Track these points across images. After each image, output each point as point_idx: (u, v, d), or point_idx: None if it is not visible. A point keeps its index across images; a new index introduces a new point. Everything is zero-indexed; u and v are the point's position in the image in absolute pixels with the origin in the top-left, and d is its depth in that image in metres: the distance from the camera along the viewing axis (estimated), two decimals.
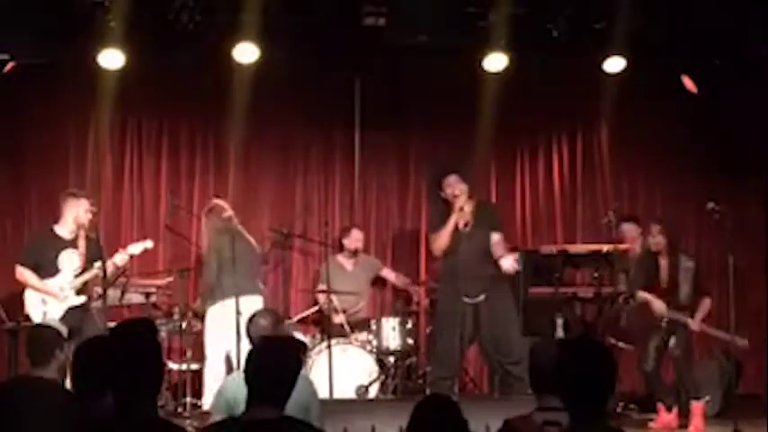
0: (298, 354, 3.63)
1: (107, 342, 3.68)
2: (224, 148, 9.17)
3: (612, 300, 7.94)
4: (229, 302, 7.33)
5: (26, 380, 4.49)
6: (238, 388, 4.43)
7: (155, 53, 7.93)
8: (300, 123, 9.32)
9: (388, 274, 8.95)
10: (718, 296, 8.81)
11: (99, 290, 7.19)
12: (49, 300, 7.21)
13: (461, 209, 7.24)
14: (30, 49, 7.60)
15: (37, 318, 7.15)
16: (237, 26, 7.59)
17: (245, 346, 4.97)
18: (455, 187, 7.24)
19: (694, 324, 7.48)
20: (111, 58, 7.75)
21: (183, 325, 7.79)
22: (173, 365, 7.88)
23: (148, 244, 7.54)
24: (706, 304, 7.58)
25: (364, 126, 9.27)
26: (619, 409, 7.76)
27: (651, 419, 7.49)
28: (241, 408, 3.91)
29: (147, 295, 7.95)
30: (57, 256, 7.26)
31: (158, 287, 7.97)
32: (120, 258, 7.33)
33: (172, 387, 7.93)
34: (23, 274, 7.30)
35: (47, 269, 7.26)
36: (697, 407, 7.29)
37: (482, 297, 7.17)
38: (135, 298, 7.98)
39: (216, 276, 7.62)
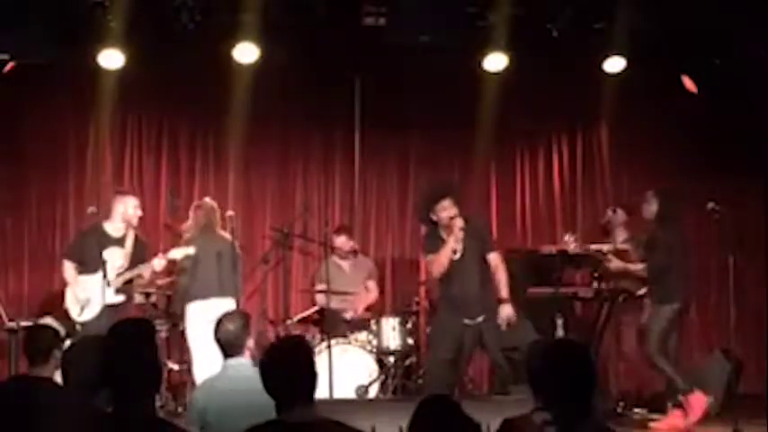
0: (312, 351, 3.61)
1: (105, 341, 3.69)
2: (224, 147, 9.17)
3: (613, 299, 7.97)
4: (202, 303, 7.43)
5: (24, 379, 4.49)
6: (208, 396, 4.41)
7: (155, 53, 7.93)
8: (300, 123, 9.32)
9: (372, 287, 8.77)
10: (719, 296, 8.85)
11: (139, 291, 7.30)
12: (88, 296, 7.22)
13: (461, 229, 7.10)
14: (30, 49, 7.60)
15: (74, 314, 7.23)
16: (237, 26, 7.59)
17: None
18: (450, 210, 7.10)
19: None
20: (111, 58, 7.76)
21: (184, 325, 7.79)
22: (173, 365, 7.88)
23: (190, 251, 7.49)
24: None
25: (364, 126, 9.27)
26: (619, 409, 7.77)
27: (653, 419, 7.49)
28: (212, 417, 3.88)
29: (147, 295, 7.95)
30: (101, 253, 7.25)
31: (158, 287, 7.96)
32: (158, 263, 7.33)
33: (172, 387, 7.92)
34: (66, 269, 7.38)
35: (90, 265, 7.28)
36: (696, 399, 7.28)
37: (481, 318, 7.04)
38: (135, 298, 7.97)
39: (192, 275, 7.61)
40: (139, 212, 7.49)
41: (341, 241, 8.65)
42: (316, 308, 8.41)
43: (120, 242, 7.34)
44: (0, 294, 8.21)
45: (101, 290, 7.15)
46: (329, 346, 7.42)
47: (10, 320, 7.54)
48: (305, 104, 9.19)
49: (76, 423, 3.60)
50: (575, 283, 8.70)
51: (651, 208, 7.50)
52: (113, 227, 7.41)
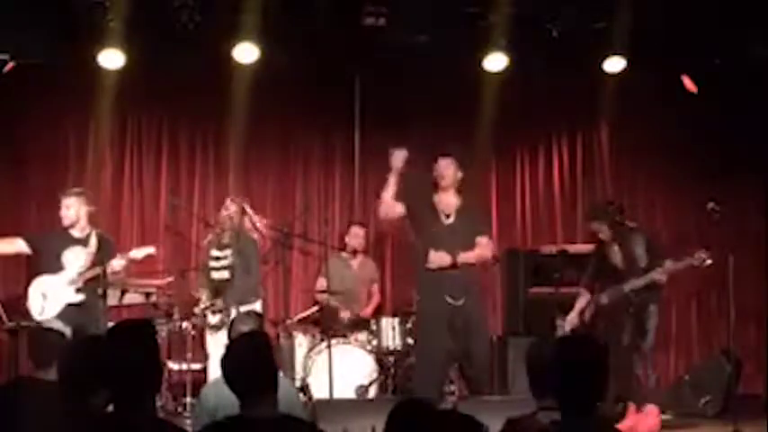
0: (271, 345, 3.62)
1: (104, 342, 3.68)
2: (224, 147, 9.17)
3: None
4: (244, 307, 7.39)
5: (28, 381, 4.48)
6: (218, 397, 4.42)
7: (155, 53, 7.93)
8: (300, 123, 9.32)
9: (376, 291, 8.83)
10: (718, 296, 8.84)
11: (99, 290, 7.16)
12: (48, 295, 7.18)
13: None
14: (30, 48, 7.60)
15: (35, 312, 7.13)
16: (237, 26, 7.59)
17: None
18: (447, 168, 7.08)
19: (660, 274, 7.15)
20: (111, 58, 7.76)
21: (184, 325, 7.79)
22: (173, 365, 7.88)
23: (151, 250, 7.46)
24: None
25: (364, 126, 9.28)
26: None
27: None
28: (224, 415, 3.88)
29: (147, 295, 7.95)
30: (61, 252, 7.22)
31: (158, 287, 7.96)
32: (117, 263, 7.25)
33: (172, 387, 7.92)
34: (14, 241, 7.36)
35: (50, 264, 7.22)
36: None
37: (462, 301, 6.96)
38: (135, 298, 7.98)
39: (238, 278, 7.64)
40: (73, 209, 7.28)
41: (361, 234, 8.66)
42: (315, 308, 8.42)
43: (83, 242, 7.23)
44: (0, 295, 8.20)
45: (60, 289, 7.13)
46: (329, 346, 7.43)
47: (10, 321, 7.52)
48: (305, 104, 9.18)
49: (75, 426, 3.59)
50: (575, 283, 8.68)
51: (604, 233, 7.39)
52: (75, 228, 7.31)
